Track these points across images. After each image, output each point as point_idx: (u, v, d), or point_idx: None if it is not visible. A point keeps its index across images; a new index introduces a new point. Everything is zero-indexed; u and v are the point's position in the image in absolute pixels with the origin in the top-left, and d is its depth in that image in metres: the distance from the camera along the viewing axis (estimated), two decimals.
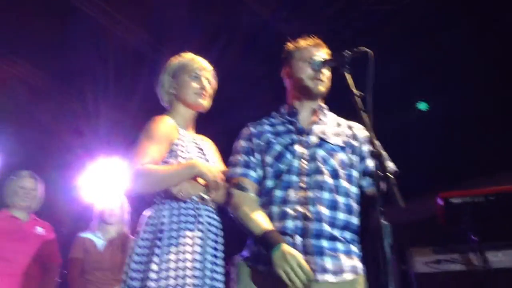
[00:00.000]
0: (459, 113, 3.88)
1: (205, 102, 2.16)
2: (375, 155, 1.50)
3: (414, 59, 3.79)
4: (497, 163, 3.64)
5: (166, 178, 1.92)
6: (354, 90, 1.66)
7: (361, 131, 2.03)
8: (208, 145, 2.21)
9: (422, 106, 4.32)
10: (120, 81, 5.03)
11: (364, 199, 1.98)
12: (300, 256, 1.69)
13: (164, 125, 2.04)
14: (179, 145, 2.04)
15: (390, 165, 1.92)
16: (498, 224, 2.82)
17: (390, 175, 1.42)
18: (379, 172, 1.45)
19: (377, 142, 1.54)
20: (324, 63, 1.90)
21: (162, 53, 4.55)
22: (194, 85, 2.13)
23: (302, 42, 2.10)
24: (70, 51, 4.68)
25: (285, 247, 1.70)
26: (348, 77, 1.71)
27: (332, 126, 2.04)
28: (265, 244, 1.75)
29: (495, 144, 3.67)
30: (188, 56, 2.21)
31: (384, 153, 1.51)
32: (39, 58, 4.90)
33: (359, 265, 1.86)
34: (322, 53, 2.04)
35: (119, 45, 4.66)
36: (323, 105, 2.11)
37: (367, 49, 1.68)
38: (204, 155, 2.10)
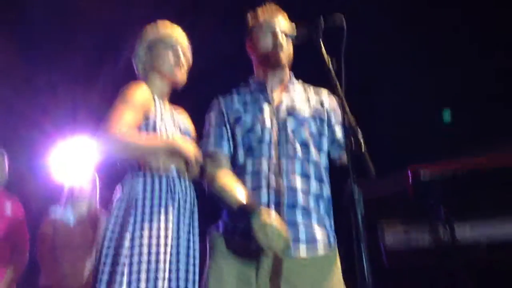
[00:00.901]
0: (433, 85, 3.91)
1: (180, 75, 2.11)
2: (347, 124, 1.49)
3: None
4: (469, 137, 3.69)
5: (141, 149, 1.88)
6: (327, 59, 1.63)
7: (328, 98, 2.04)
8: (183, 117, 2.17)
9: (446, 117, 4.32)
10: (87, 54, 4.90)
11: (333, 167, 1.98)
12: (278, 217, 1.69)
13: (141, 92, 1.98)
14: (156, 114, 1.99)
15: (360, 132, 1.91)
16: (467, 198, 2.86)
17: (362, 144, 1.41)
18: (351, 140, 1.44)
19: (348, 111, 1.53)
20: (297, 37, 1.86)
21: (132, 26, 4.43)
22: (171, 56, 2.07)
23: (259, 12, 2.07)
24: (33, 23, 4.54)
25: (264, 211, 1.70)
26: (321, 45, 1.68)
27: (301, 95, 2.03)
28: (244, 212, 1.74)
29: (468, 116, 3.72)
30: (164, 26, 2.13)
31: (354, 121, 1.49)
32: (1, 33, 4.73)
33: (332, 237, 1.87)
34: (281, 20, 2.02)
35: (84, 14, 4.51)
36: (290, 74, 2.09)
37: (340, 15, 1.65)
38: (179, 127, 2.06)
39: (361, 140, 1.43)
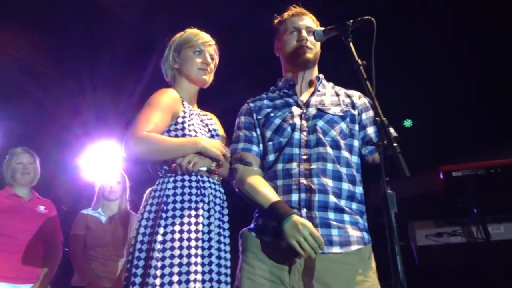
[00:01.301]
0: (464, 85, 3.85)
1: (207, 77, 2.15)
2: (379, 123, 1.48)
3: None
4: (500, 136, 3.62)
5: (168, 149, 1.91)
6: (358, 60, 1.63)
7: (359, 99, 2.03)
8: (213, 121, 2.20)
9: (407, 123, 4.33)
10: (118, 60, 4.98)
11: (365, 168, 1.97)
12: (311, 225, 1.69)
13: (168, 96, 2.03)
14: (184, 117, 2.03)
15: (393, 132, 1.89)
16: (499, 197, 2.81)
17: (396, 144, 1.40)
18: (384, 141, 1.43)
19: (380, 111, 1.52)
20: (326, 32, 1.87)
21: (161, 33, 4.49)
22: (198, 60, 2.12)
23: (285, 14, 2.10)
24: (67, 29, 4.63)
25: (296, 218, 1.70)
26: (351, 46, 1.69)
27: (330, 96, 2.03)
28: (275, 216, 1.75)
29: (498, 117, 3.65)
30: (192, 31, 2.18)
31: (387, 121, 1.49)
32: (36, 37, 4.84)
33: (366, 235, 1.86)
34: (306, 21, 2.04)
35: (115, 23, 4.60)
36: (319, 75, 2.10)
37: (370, 17, 1.65)
38: (209, 131, 2.10)
39: (395, 141, 1.42)
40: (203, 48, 2.13)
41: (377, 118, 1.49)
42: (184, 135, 1.98)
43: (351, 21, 1.71)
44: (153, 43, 4.54)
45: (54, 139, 5.60)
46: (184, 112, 2.04)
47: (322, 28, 1.88)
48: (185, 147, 1.92)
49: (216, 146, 1.94)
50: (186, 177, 1.94)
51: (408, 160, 1.37)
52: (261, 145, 1.99)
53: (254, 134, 2.01)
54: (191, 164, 1.89)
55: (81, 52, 4.96)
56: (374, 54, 1.58)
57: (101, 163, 5.18)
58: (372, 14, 1.68)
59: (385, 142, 1.43)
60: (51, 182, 4.66)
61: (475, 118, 3.83)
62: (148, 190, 3.54)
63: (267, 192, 1.83)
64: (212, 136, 2.08)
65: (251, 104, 2.09)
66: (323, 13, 2.14)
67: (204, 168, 1.97)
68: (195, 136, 1.99)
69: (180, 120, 2.01)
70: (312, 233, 1.66)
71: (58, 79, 5.50)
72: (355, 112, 1.98)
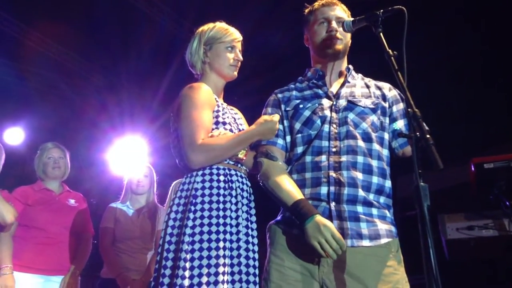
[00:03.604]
0: (494, 78, 3.77)
1: (236, 73, 2.17)
2: (411, 114, 1.46)
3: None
4: None
5: (228, 149, 1.92)
6: (388, 50, 1.61)
7: (390, 91, 2.00)
8: (239, 115, 2.22)
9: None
10: (143, 58, 5.04)
11: (394, 161, 1.95)
12: (333, 226, 1.69)
13: (205, 92, 2.04)
14: (218, 112, 2.05)
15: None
16: None
17: (428, 136, 1.38)
18: (416, 132, 1.41)
19: (412, 103, 1.49)
20: (355, 23, 1.84)
21: (186, 29, 4.52)
22: (230, 56, 2.13)
23: (316, 4, 2.07)
24: (94, 27, 4.70)
25: (319, 218, 1.70)
26: (381, 36, 1.66)
27: (361, 88, 2.00)
28: (297, 215, 1.75)
29: None
30: (221, 26, 2.19)
31: (419, 112, 1.46)
32: (65, 35, 4.93)
33: (394, 229, 1.84)
34: (337, 11, 2.00)
35: (143, 21, 4.65)
36: (349, 66, 2.07)
37: (402, 7, 1.62)
38: (240, 125, 2.12)
39: (427, 133, 1.40)
40: (234, 44, 2.15)
41: (409, 110, 1.46)
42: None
43: (381, 11, 1.68)
44: (178, 40, 4.58)
45: (82, 135, 5.71)
46: (218, 106, 2.06)
47: (352, 19, 1.86)
48: (243, 142, 1.94)
49: (269, 128, 1.94)
50: (214, 171, 1.95)
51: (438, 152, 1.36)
52: (287, 138, 1.97)
53: (281, 126, 1.99)
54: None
55: (108, 50, 5.04)
56: (405, 44, 1.55)
57: (128, 157, 5.26)
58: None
59: (418, 134, 1.41)
60: (80, 177, 4.76)
61: (504, 110, 3.75)
62: (174, 182, 3.60)
63: (291, 189, 1.82)
64: (240, 131, 2.08)
65: (279, 95, 2.06)
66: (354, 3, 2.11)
67: (231, 162, 1.98)
68: (231, 129, 2.01)
69: (214, 114, 2.03)
70: (333, 235, 1.66)
71: (86, 76, 5.60)
72: (386, 105, 1.95)
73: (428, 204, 1.35)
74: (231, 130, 2.02)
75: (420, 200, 1.36)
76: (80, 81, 5.62)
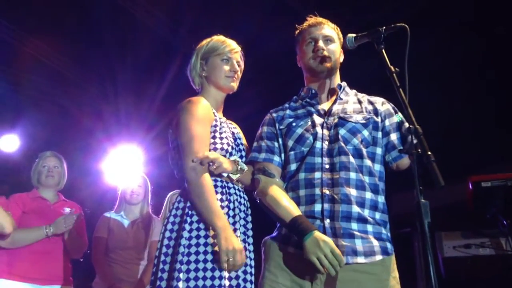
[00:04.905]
0: (490, 96, 3.79)
1: (235, 84, 2.17)
2: (413, 131, 1.46)
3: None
4: None
5: (206, 205, 1.85)
6: (390, 67, 1.62)
7: (382, 106, 2.01)
8: (237, 130, 2.22)
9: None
10: (139, 66, 5.04)
11: (388, 176, 1.95)
12: (332, 242, 1.69)
13: (203, 106, 2.05)
14: (216, 126, 2.05)
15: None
16: None
17: (430, 153, 1.38)
18: (418, 149, 1.41)
19: (413, 119, 1.50)
20: (357, 39, 1.85)
21: (183, 38, 4.53)
22: (226, 67, 2.13)
23: (304, 24, 2.11)
24: (91, 35, 4.70)
25: (317, 234, 1.69)
26: (383, 53, 1.67)
27: (353, 103, 2.01)
28: (296, 231, 1.75)
29: None
30: (218, 38, 2.20)
31: (420, 129, 1.46)
32: (61, 42, 4.92)
33: (389, 246, 1.84)
34: (324, 30, 2.04)
35: (139, 29, 4.65)
36: (342, 83, 2.09)
37: (404, 25, 1.64)
38: (235, 140, 2.10)
39: (428, 150, 1.40)
40: (230, 55, 2.15)
41: (410, 126, 1.46)
42: (215, 149, 1.99)
43: (384, 27, 1.70)
44: (174, 49, 4.59)
45: (77, 144, 5.67)
46: (216, 121, 2.06)
47: (354, 35, 1.87)
48: (212, 215, 1.82)
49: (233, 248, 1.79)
50: (212, 183, 1.94)
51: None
52: (283, 155, 1.99)
53: (276, 144, 2.01)
54: (214, 166, 1.89)
55: (104, 58, 5.02)
56: (407, 61, 1.56)
57: (123, 167, 5.23)
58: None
59: (419, 150, 1.41)
60: (74, 186, 4.71)
61: (502, 127, 3.77)
62: (170, 193, 3.57)
63: (288, 205, 1.82)
64: (237, 145, 2.09)
65: (274, 114, 2.09)
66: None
67: (225, 174, 1.97)
68: (227, 148, 2.00)
69: (212, 129, 2.03)
70: (333, 250, 1.66)
71: (82, 85, 5.58)
72: (378, 119, 1.96)
73: (429, 221, 1.35)
74: (228, 144, 2.02)
75: (421, 217, 1.36)
76: (76, 89, 5.60)
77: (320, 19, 2.09)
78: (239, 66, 2.18)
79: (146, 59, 4.94)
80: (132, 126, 5.78)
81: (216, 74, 2.13)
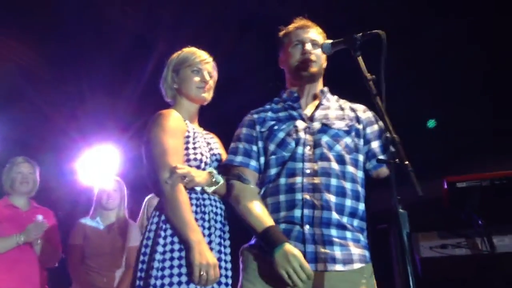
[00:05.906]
0: (466, 95, 3.84)
1: (207, 95, 2.15)
2: (390, 140, 1.45)
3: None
4: (505, 147, 3.61)
5: (180, 219, 1.81)
6: (366, 74, 1.60)
7: (364, 113, 2.00)
8: (215, 140, 2.20)
9: (431, 124, 4.30)
10: (115, 65, 4.95)
11: (368, 183, 1.95)
12: (301, 256, 1.68)
13: (174, 118, 2.02)
14: (189, 137, 2.02)
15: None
16: (504, 208, 2.79)
17: (407, 162, 1.38)
18: (395, 159, 1.40)
19: (391, 127, 1.49)
20: (334, 45, 1.83)
21: (159, 38, 4.46)
22: (196, 79, 2.11)
23: (290, 26, 2.07)
24: (66, 34, 4.59)
25: (287, 247, 1.69)
26: (360, 60, 1.66)
27: (335, 110, 2.00)
28: (267, 242, 1.73)
29: (503, 127, 3.64)
30: (189, 50, 2.19)
31: (398, 138, 1.46)
32: (34, 41, 4.80)
33: (367, 254, 1.84)
34: (311, 34, 2.02)
35: (115, 29, 4.57)
36: (324, 88, 2.08)
37: (380, 31, 1.62)
38: (211, 150, 2.08)
39: (405, 158, 1.39)
40: (200, 66, 2.13)
41: (388, 135, 1.45)
42: (189, 160, 1.97)
43: (360, 34, 1.68)
44: (151, 48, 4.52)
45: (51, 144, 5.54)
46: (188, 132, 2.03)
47: (330, 41, 1.85)
48: (184, 228, 1.79)
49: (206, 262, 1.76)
50: (187, 196, 1.90)
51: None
52: (261, 159, 1.95)
53: (255, 148, 1.97)
54: (186, 180, 1.87)
55: (78, 57, 4.92)
56: (384, 68, 1.55)
57: (98, 167, 5.15)
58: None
59: (397, 160, 1.40)
60: (47, 187, 4.61)
61: (479, 127, 3.82)
62: (148, 197, 3.52)
63: (261, 215, 1.80)
64: (213, 155, 2.07)
65: (255, 116, 2.04)
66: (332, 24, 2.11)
67: (199, 188, 1.95)
68: (201, 158, 1.97)
69: (185, 140, 2.01)
70: (301, 265, 1.65)
71: (56, 84, 5.45)
72: (360, 127, 1.95)
73: (408, 231, 1.35)
74: (201, 154, 2.00)
75: (399, 227, 1.35)
76: (50, 89, 5.47)
77: (308, 22, 2.06)
78: (211, 76, 2.16)
79: (121, 58, 4.87)
80: (107, 126, 5.69)
81: (187, 86, 2.11)
